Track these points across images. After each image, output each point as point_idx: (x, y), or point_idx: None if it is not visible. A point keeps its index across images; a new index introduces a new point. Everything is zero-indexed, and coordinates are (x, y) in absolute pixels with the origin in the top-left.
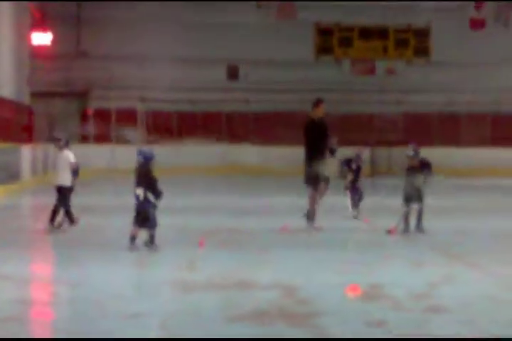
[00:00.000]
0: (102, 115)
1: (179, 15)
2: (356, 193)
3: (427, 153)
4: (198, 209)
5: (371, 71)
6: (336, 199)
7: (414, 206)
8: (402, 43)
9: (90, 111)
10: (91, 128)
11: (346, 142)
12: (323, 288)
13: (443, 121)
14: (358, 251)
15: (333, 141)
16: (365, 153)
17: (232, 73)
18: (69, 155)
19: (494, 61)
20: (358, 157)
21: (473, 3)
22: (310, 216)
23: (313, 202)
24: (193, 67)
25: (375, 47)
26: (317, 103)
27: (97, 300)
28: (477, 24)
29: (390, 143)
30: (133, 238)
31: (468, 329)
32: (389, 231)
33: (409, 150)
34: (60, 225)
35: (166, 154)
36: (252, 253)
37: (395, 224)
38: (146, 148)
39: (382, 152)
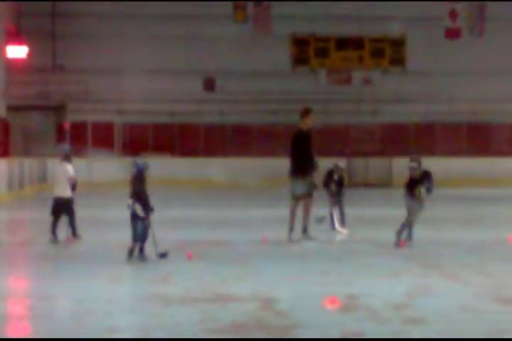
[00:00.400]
0: (79, 128)
1: (155, 27)
2: (337, 205)
3: (404, 163)
4: (173, 222)
5: (347, 81)
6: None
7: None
8: (377, 53)
9: (67, 125)
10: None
11: (323, 153)
12: (301, 300)
13: (419, 131)
14: (336, 262)
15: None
16: (342, 162)
17: (209, 85)
18: (68, 169)
19: (470, 71)
20: (337, 167)
21: (448, 13)
22: (290, 227)
23: (292, 213)
24: (169, 79)
25: (351, 57)
26: (305, 113)
27: (73, 315)
28: (452, 34)
29: (367, 154)
30: (130, 252)
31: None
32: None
33: (411, 162)
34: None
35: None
36: (229, 266)
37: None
38: (140, 160)
39: (359, 162)
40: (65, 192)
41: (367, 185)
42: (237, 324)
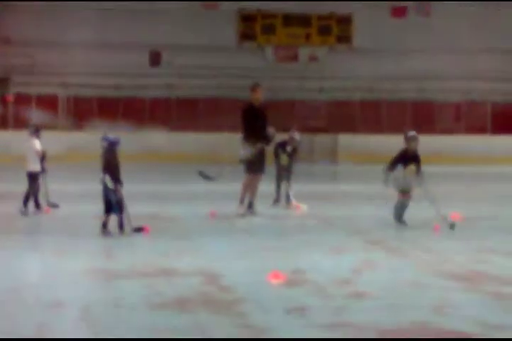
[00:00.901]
0: (23, 101)
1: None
2: (285, 180)
3: (351, 140)
4: None
5: (294, 58)
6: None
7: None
8: (324, 30)
9: (10, 97)
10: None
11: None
12: (246, 275)
13: (365, 108)
14: (282, 237)
15: (270, 129)
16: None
17: (155, 59)
18: (35, 143)
19: (416, 48)
20: (292, 139)
21: None
22: (240, 199)
23: (245, 186)
24: (115, 53)
25: (297, 34)
26: (253, 88)
27: (14, 289)
28: (398, 12)
29: (313, 130)
30: (104, 225)
31: (390, 315)
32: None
33: (410, 132)
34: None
35: (85, 140)
36: (174, 240)
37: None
38: (111, 134)
39: (305, 139)
40: (36, 166)
41: (312, 161)
42: (182, 299)
